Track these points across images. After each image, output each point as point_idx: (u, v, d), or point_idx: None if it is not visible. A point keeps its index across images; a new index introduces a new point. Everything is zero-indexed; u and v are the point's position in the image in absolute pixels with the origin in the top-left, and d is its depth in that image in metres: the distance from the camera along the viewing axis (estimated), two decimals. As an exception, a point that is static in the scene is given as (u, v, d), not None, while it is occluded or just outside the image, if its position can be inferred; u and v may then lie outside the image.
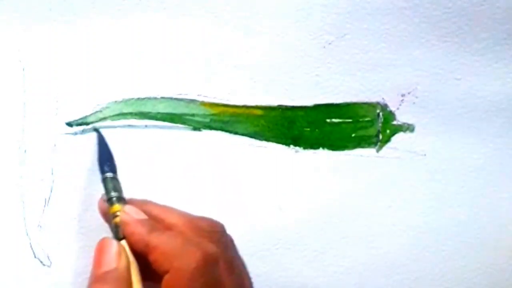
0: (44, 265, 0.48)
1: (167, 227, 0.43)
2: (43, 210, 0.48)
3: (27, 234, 0.48)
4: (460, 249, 0.52)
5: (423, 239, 0.52)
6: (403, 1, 0.49)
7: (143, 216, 0.43)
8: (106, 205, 0.45)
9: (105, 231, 0.48)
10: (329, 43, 0.50)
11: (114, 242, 0.42)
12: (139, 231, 0.41)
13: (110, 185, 0.45)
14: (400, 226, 0.52)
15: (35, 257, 0.48)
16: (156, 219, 0.43)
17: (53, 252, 0.48)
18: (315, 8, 0.49)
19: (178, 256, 0.40)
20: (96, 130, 0.48)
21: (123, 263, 0.41)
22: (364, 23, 0.49)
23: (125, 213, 0.43)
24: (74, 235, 0.48)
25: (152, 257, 0.40)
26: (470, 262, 0.52)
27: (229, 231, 0.49)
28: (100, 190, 0.46)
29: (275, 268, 0.50)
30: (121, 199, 0.44)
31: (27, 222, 0.48)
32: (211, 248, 0.41)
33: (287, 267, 0.50)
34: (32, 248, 0.48)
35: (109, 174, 0.45)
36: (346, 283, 0.52)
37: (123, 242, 0.42)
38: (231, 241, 0.45)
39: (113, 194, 0.45)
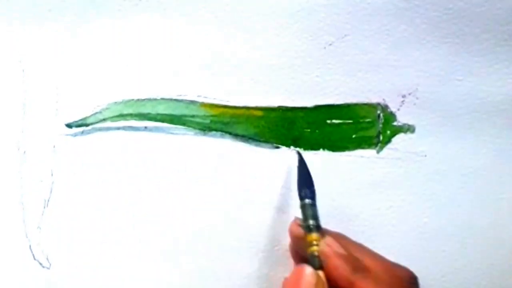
0: (43, 266, 0.48)
1: (367, 270, 0.42)
2: (43, 212, 0.48)
3: (27, 236, 0.48)
4: (460, 249, 0.52)
5: (423, 239, 0.52)
6: (404, 2, 0.49)
7: (344, 251, 0.43)
8: (300, 230, 0.45)
9: (106, 231, 0.49)
10: (330, 44, 0.50)
11: (312, 270, 0.42)
12: (344, 267, 0.41)
13: (309, 212, 0.45)
14: (400, 227, 0.52)
15: (34, 258, 0.48)
16: (355, 257, 0.43)
17: (53, 254, 0.48)
18: (315, 9, 0.49)
19: None
20: (297, 152, 0.49)
21: None
22: (365, 24, 0.49)
23: (327, 246, 0.43)
24: (73, 237, 0.48)
25: None
26: (470, 262, 0.52)
27: (229, 231, 0.49)
28: (101, 193, 0.46)
29: (275, 269, 0.50)
30: (318, 228, 0.44)
31: (26, 224, 0.48)
32: None
33: (287, 268, 0.50)
34: (31, 250, 0.48)
35: (308, 200, 0.45)
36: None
37: (321, 272, 0.42)
38: None
39: (312, 222, 0.45)
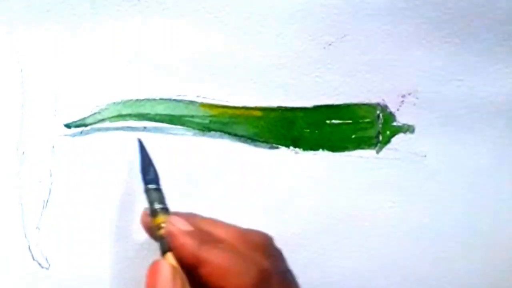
0: (42, 267, 0.48)
1: (218, 240, 0.41)
2: (42, 212, 0.48)
3: (26, 236, 0.48)
4: (460, 250, 0.52)
5: (423, 240, 0.52)
6: (404, 1, 0.49)
7: (190, 227, 0.41)
8: (149, 217, 0.43)
9: (105, 231, 0.49)
10: (329, 44, 0.50)
11: (168, 264, 0.40)
12: (188, 243, 0.40)
13: (153, 196, 0.44)
14: (401, 227, 0.52)
15: (33, 259, 0.48)
16: (204, 231, 0.42)
17: (52, 254, 0.48)
18: (315, 9, 0.49)
19: (234, 272, 0.39)
20: (138, 139, 0.47)
21: (178, 285, 0.39)
22: (364, 24, 0.49)
23: (171, 224, 0.41)
24: (72, 237, 0.48)
25: (204, 272, 0.39)
26: (470, 263, 0.52)
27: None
28: (101, 192, 0.46)
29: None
30: (166, 211, 0.43)
31: (25, 224, 0.48)
32: (265, 263, 0.40)
33: (286, 268, 0.50)
34: (30, 250, 0.48)
35: (152, 185, 0.44)
36: (346, 284, 0.52)
37: (169, 254, 0.41)
38: (281, 253, 0.44)
39: (157, 205, 0.43)
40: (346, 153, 0.51)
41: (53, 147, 0.48)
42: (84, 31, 0.48)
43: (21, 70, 0.48)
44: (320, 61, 0.50)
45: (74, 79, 0.48)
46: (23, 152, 0.48)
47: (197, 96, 0.49)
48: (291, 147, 0.50)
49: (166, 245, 0.41)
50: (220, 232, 0.42)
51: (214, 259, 0.39)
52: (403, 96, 0.51)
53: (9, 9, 0.48)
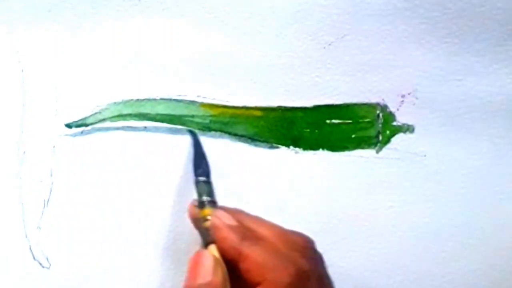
0: (43, 267, 0.48)
1: (259, 238, 0.42)
2: (42, 212, 0.48)
3: (26, 236, 0.48)
4: (460, 250, 0.52)
5: (423, 239, 0.52)
6: (403, 2, 0.49)
7: (234, 222, 0.42)
8: (197, 209, 0.45)
9: (105, 231, 0.49)
10: (329, 44, 0.50)
11: (210, 255, 0.41)
12: (231, 238, 0.41)
13: (203, 189, 0.45)
14: (400, 227, 0.52)
15: (34, 259, 0.48)
16: (247, 228, 0.43)
17: (53, 254, 0.48)
18: (315, 9, 0.49)
19: (272, 269, 0.40)
20: (191, 132, 0.48)
21: (219, 276, 0.40)
22: (364, 24, 0.49)
23: (217, 218, 0.43)
24: (73, 237, 0.48)
25: (244, 266, 0.40)
26: (470, 263, 0.52)
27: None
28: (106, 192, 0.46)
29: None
30: (213, 204, 0.44)
31: (26, 224, 0.48)
32: (305, 264, 0.41)
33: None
34: (31, 250, 0.48)
35: (202, 178, 0.45)
36: (346, 284, 0.51)
37: (213, 246, 0.42)
38: (321, 257, 0.45)
39: (205, 198, 0.44)
40: (346, 152, 0.51)
41: (54, 147, 0.48)
42: (84, 31, 0.48)
43: (22, 70, 0.48)
44: (320, 61, 0.50)
45: (75, 79, 0.49)
46: (24, 152, 0.48)
47: (197, 96, 0.49)
48: (291, 147, 0.50)
49: (210, 237, 0.42)
50: (263, 230, 0.43)
51: (254, 255, 0.40)
52: (403, 96, 0.51)
53: (9, 9, 0.48)
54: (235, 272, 0.41)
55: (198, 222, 0.45)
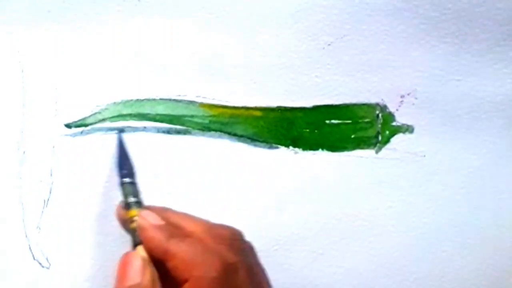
0: (43, 267, 0.48)
1: (186, 234, 0.42)
2: (42, 212, 0.48)
3: (26, 236, 0.48)
4: (459, 250, 0.52)
5: (422, 240, 0.52)
6: (403, 2, 0.49)
7: (161, 221, 0.42)
8: (123, 210, 0.45)
9: (105, 231, 0.49)
10: (329, 44, 0.50)
11: (138, 256, 0.41)
12: (158, 237, 0.41)
13: (128, 190, 0.45)
14: (400, 227, 0.52)
15: (34, 259, 0.48)
16: (174, 225, 0.43)
17: (52, 254, 0.48)
18: (314, 9, 0.49)
19: (198, 264, 0.40)
20: (118, 132, 0.48)
21: (147, 277, 0.40)
22: (364, 24, 0.49)
23: (143, 218, 0.42)
24: (73, 237, 0.48)
25: (171, 265, 0.40)
26: (470, 263, 0.52)
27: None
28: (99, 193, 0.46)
29: (274, 269, 0.50)
30: (139, 204, 0.44)
31: (26, 224, 0.48)
32: (231, 256, 0.41)
33: (286, 268, 0.50)
34: (31, 250, 0.48)
35: (127, 179, 0.45)
36: (345, 284, 0.52)
37: (140, 247, 0.42)
38: (251, 248, 0.45)
39: (131, 199, 0.44)
40: (346, 153, 0.51)
41: (53, 147, 0.48)
42: (84, 31, 0.48)
43: (22, 70, 0.48)
44: (320, 61, 0.50)
45: (75, 79, 0.49)
46: (24, 152, 0.48)
47: (197, 96, 0.49)
48: (291, 147, 0.50)
49: (137, 238, 0.42)
50: (190, 226, 0.43)
51: (180, 252, 0.40)
52: (402, 96, 0.51)
53: (9, 9, 0.48)
54: (163, 271, 0.40)
55: (125, 223, 0.45)
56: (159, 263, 0.41)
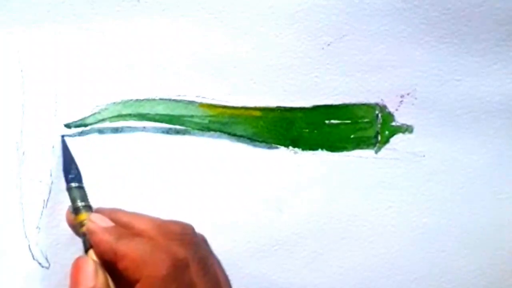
0: (42, 266, 0.48)
1: (136, 234, 0.42)
2: (42, 212, 0.48)
3: (26, 236, 0.48)
4: (459, 250, 0.52)
5: (422, 240, 0.52)
6: (402, 2, 0.49)
7: (109, 223, 0.42)
8: (72, 215, 0.44)
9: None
10: (328, 44, 0.50)
11: (90, 260, 0.41)
12: (107, 239, 0.41)
13: (76, 194, 0.45)
14: (400, 227, 0.52)
15: (33, 258, 0.48)
16: (125, 226, 0.43)
17: (52, 254, 0.48)
18: (314, 9, 0.49)
19: (148, 263, 0.39)
20: (62, 136, 0.48)
21: (100, 280, 0.40)
22: (363, 24, 0.49)
23: (91, 222, 0.42)
24: (72, 237, 0.48)
25: (121, 266, 0.40)
26: (470, 263, 0.52)
27: (228, 231, 0.49)
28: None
29: (274, 269, 0.50)
30: (88, 208, 0.44)
31: (25, 224, 0.48)
32: (180, 252, 0.41)
33: (286, 268, 0.50)
34: (30, 250, 0.48)
35: (74, 184, 0.45)
36: (345, 284, 0.52)
37: (91, 251, 0.42)
38: (203, 240, 0.45)
39: (80, 203, 0.44)
40: (345, 153, 0.51)
41: (53, 147, 0.48)
42: (84, 31, 0.48)
43: (22, 70, 0.48)
44: (319, 61, 0.50)
45: (74, 79, 0.49)
46: (23, 152, 0.48)
47: (197, 96, 0.49)
48: (290, 147, 0.50)
49: (88, 242, 0.42)
50: (140, 225, 0.43)
51: (129, 253, 0.40)
52: (402, 96, 0.51)
53: (9, 9, 0.48)
54: (116, 273, 0.40)
55: (75, 228, 0.44)
56: (110, 265, 0.40)
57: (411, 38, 0.50)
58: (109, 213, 0.44)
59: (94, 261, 0.41)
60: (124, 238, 0.41)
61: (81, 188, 0.45)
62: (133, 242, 0.40)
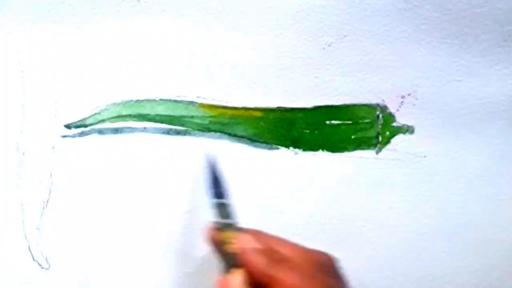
0: (42, 267, 0.48)
1: (285, 260, 0.42)
2: (42, 213, 0.48)
3: (26, 237, 0.48)
4: (459, 250, 0.52)
5: (423, 240, 0.52)
6: (403, 2, 0.49)
7: (260, 245, 0.42)
8: (216, 232, 0.44)
9: (105, 232, 0.49)
10: (329, 45, 0.50)
11: (239, 278, 0.41)
12: (260, 261, 0.41)
13: (223, 211, 0.44)
14: (400, 227, 0.52)
15: (33, 259, 0.48)
16: (271, 250, 0.43)
17: (52, 255, 0.48)
18: (314, 10, 0.49)
19: None
20: (206, 154, 0.47)
21: None
22: (364, 24, 0.49)
23: (242, 241, 0.43)
24: (72, 237, 0.48)
25: None
26: (470, 263, 0.52)
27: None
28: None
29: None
30: (233, 226, 0.44)
31: (25, 225, 0.48)
32: (330, 282, 0.41)
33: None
34: (30, 251, 0.48)
35: (220, 200, 0.45)
36: (345, 284, 0.52)
37: (238, 270, 0.42)
38: (344, 276, 0.45)
39: (226, 220, 0.44)
40: (346, 153, 0.51)
41: (53, 147, 0.48)
42: (84, 31, 0.48)
43: (22, 71, 0.48)
44: (320, 62, 0.50)
45: (75, 79, 0.49)
46: (24, 153, 0.48)
47: (197, 97, 0.49)
48: (291, 148, 0.50)
49: (233, 261, 0.42)
50: (286, 251, 0.43)
51: (284, 278, 0.40)
52: (403, 96, 0.51)
53: (9, 9, 0.48)
54: None
55: (218, 245, 0.44)
56: (258, 286, 0.41)
57: (412, 38, 0.50)
58: (255, 234, 0.44)
59: (241, 280, 0.41)
60: (277, 262, 0.41)
61: (228, 205, 0.45)
62: (287, 268, 0.41)
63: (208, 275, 0.49)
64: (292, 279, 0.40)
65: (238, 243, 0.42)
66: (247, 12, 0.49)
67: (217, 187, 0.45)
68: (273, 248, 0.43)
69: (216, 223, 0.44)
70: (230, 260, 0.42)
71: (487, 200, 0.52)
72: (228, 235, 0.43)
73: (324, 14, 0.49)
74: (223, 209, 0.44)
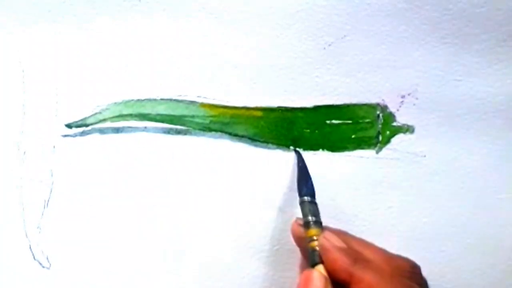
0: (43, 267, 0.48)
1: (368, 261, 0.43)
2: (43, 212, 0.48)
3: (27, 236, 0.48)
4: (459, 250, 0.52)
5: (422, 240, 0.52)
6: (403, 2, 0.49)
7: (343, 244, 0.44)
8: (300, 228, 0.46)
9: (105, 232, 0.49)
10: (329, 45, 0.50)
11: (321, 275, 0.42)
12: (342, 259, 0.42)
13: (308, 208, 0.46)
14: (400, 227, 0.52)
15: (34, 259, 0.48)
16: (354, 250, 0.44)
17: (53, 254, 0.48)
18: (315, 10, 0.49)
19: None
20: (295, 151, 0.50)
21: None
22: (364, 24, 0.49)
23: (325, 239, 0.44)
24: (73, 237, 0.48)
25: None
26: (470, 263, 0.52)
27: (229, 231, 0.49)
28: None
29: (274, 269, 0.50)
30: (318, 224, 0.45)
31: (26, 224, 0.48)
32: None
33: (286, 267, 0.50)
34: (31, 250, 0.48)
35: (307, 198, 0.46)
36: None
37: (321, 266, 0.43)
38: (427, 283, 0.46)
39: (311, 218, 0.45)
40: (346, 153, 0.51)
41: (54, 147, 0.48)
42: (84, 31, 0.48)
43: (22, 70, 0.48)
44: (320, 62, 0.50)
45: (75, 79, 0.49)
46: (24, 152, 0.48)
47: (198, 96, 0.49)
48: (291, 147, 0.50)
49: (317, 257, 0.44)
50: (368, 253, 0.44)
51: (367, 278, 0.41)
52: (403, 96, 0.51)
53: (9, 9, 0.48)
54: None
55: (302, 241, 0.46)
56: (339, 285, 0.42)
57: (412, 38, 0.50)
58: (339, 234, 0.45)
59: (323, 276, 0.42)
60: (359, 262, 0.42)
61: (313, 203, 0.46)
62: (370, 269, 0.42)
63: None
64: (372, 278, 0.41)
65: (321, 240, 0.44)
66: (247, 12, 0.49)
67: (306, 185, 0.47)
68: (355, 248, 0.44)
69: (302, 220, 0.46)
70: (313, 256, 0.44)
71: (486, 200, 0.52)
72: (313, 232, 0.45)
73: (324, 14, 0.49)
74: (310, 207, 0.46)
